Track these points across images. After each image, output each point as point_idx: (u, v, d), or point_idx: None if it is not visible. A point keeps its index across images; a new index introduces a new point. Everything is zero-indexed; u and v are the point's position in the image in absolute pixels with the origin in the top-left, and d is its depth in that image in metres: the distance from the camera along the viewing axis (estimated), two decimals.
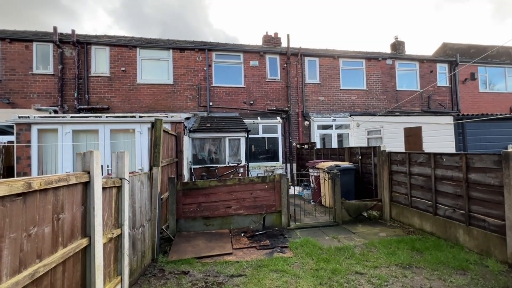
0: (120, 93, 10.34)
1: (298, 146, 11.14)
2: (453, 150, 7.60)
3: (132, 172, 3.65)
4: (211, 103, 10.95)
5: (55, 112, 9.62)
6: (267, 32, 13.64)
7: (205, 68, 10.99)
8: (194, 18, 67.52)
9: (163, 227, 4.89)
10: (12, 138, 7.02)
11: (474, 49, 15.23)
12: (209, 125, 9.23)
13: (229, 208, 5.22)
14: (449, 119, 7.92)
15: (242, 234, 4.87)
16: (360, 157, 7.05)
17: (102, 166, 6.12)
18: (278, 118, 11.24)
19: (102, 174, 2.57)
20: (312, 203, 7.37)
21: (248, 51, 11.48)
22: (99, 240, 2.29)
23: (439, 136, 8.16)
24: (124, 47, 10.44)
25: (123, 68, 10.35)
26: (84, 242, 2.14)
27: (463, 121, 7.69)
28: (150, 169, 4.13)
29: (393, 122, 9.89)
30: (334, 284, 3.09)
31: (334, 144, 11.56)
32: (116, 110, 10.19)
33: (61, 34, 10.23)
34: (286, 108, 11.46)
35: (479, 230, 3.79)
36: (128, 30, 59.27)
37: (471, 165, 3.92)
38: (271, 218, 5.35)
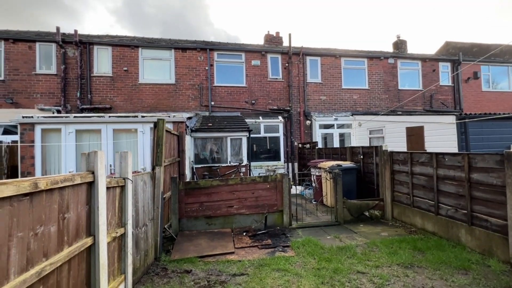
0: (122, 93, 10.39)
1: (300, 145, 11.15)
2: (456, 150, 7.57)
3: (135, 172, 3.68)
4: (212, 103, 10.97)
5: (58, 112, 9.69)
6: (268, 31, 13.63)
7: (206, 68, 11.01)
8: (195, 17, 67.56)
9: (165, 226, 4.92)
10: (16, 137, 7.08)
11: (477, 48, 15.13)
12: (210, 124, 9.26)
13: (231, 207, 5.24)
14: (451, 119, 7.89)
15: (244, 234, 4.89)
16: (362, 156, 7.05)
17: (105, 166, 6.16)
18: (280, 117, 11.24)
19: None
20: (314, 202, 7.38)
21: (249, 51, 11.48)
22: (104, 239, 2.32)
23: (441, 136, 8.13)
24: (126, 47, 10.48)
25: (125, 68, 10.40)
26: (89, 241, 2.17)
27: (466, 120, 7.66)
28: (153, 168, 4.16)
29: (395, 121, 9.87)
30: (335, 284, 3.11)
31: (336, 144, 11.55)
32: (118, 110, 10.24)
33: (64, 34, 10.28)
34: (288, 108, 11.46)
35: (481, 230, 3.79)
36: (129, 29, 59.46)
37: (474, 165, 3.91)
38: (273, 218, 5.37)
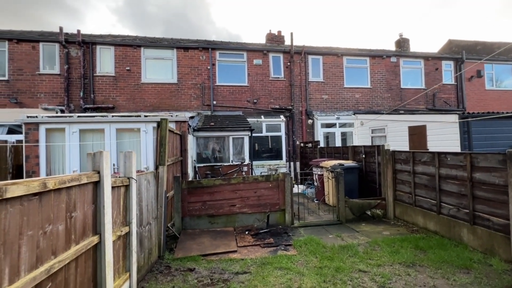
0: (125, 92, 10.45)
1: (302, 144, 11.16)
2: (458, 149, 7.56)
3: (138, 171, 3.72)
4: (214, 102, 11.01)
5: (62, 111, 9.77)
6: (270, 30, 13.62)
7: (208, 67, 11.03)
8: (197, 16, 67.52)
9: (168, 225, 4.97)
10: (21, 137, 7.16)
11: (481, 46, 15.03)
12: (213, 124, 9.30)
13: (234, 206, 5.28)
14: (454, 118, 7.86)
15: (247, 232, 4.93)
16: (364, 155, 7.06)
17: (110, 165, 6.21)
18: (282, 116, 11.25)
19: None
20: (316, 201, 7.41)
21: (251, 50, 11.49)
22: (109, 237, 2.36)
23: (444, 135, 8.11)
24: (128, 47, 10.53)
25: (128, 68, 10.45)
26: (95, 239, 2.21)
27: (468, 119, 7.63)
28: (156, 168, 4.20)
29: (397, 120, 9.85)
30: (337, 282, 3.14)
31: (338, 143, 11.54)
32: (121, 109, 10.30)
33: (67, 34, 10.35)
34: (290, 107, 11.47)
35: (483, 229, 3.80)
36: (131, 28, 59.54)
37: (476, 164, 3.92)
38: (275, 217, 5.41)
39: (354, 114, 11.85)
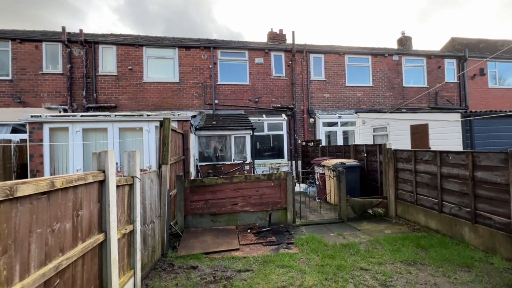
0: (127, 91, 10.50)
1: (303, 143, 11.17)
2: (460, 148, 7.54)
3: (142, 170, 3.76)
4: (216, 101, 11.04)
5: (65, 110, 9.84)
6: (272, 29, 13.59)
7: (210, 66, 11.05)
8: (198, 14, 67.44)
9: (171, 224, 5.02)
10: (24, 136, 7.23)
11: (484, 44, 14.91)
12: (214, 123, 9.33)
13: (236, 205, 5.32)
14: (456, 116, 7.84)
15: (249, 231, 4.97)
16: (365, 154, 7.06)
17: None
18: (283, 115, 11.27)
19: None
20: (318, 200, 7.43)
21: (253, 49, 11.49)
22: (114, 235, 2.40)
23: (446, 133, 8.10)
24: (130, 46, 10.57)
25: (130, 67, 10.49)
26: (100, 237, 2.26)
27: (471, 118, 7.61)
28: (159, 167, 4.24)
29: (399, 119, 9.83)
30: (339, 280, 3.17)
31: (340, 142, 11.54)
32: (123, 109, 10.36)
33: (69, 33, 10.39)
34: (291, 106, 11.47)
35: (485, 228, 3.81)
36: (132, 27, 59.56)
37: (478, 163, 3.92)
38: (277, 215, 5.44)
39: (356, 112, 11.83)
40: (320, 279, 3.20)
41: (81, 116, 6.77)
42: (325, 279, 3.19)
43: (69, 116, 6.88)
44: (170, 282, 3.26)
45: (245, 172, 8.84)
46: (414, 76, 12.88)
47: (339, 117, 11.66)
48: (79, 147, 6.67)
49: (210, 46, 11.09)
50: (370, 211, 5.83)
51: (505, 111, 8.14)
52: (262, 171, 10.02)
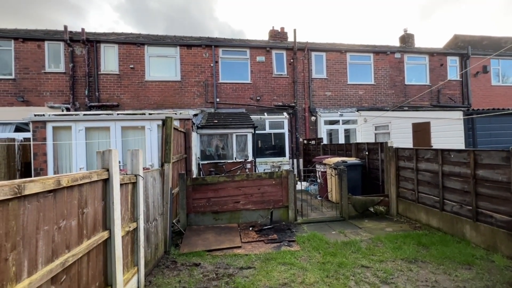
0: (129, 90, 10.54)
1: (305, 141, 11.18)
2: (463, 146, 7.52)
3: (144, 168, 3.79)
4: (218, 99, 11.05)
5: (67, 109, 9.90)
6: (273, 26, 13.57)
7: (212, 65, 11.06)
8: (199, 12, 67.24)
9: (174, 221, 5.07)
10: (28, 135, 7.30)
11: (487, 41, 14.79)
12: (216, 121, 9.36)
13: (238, 203, 5.35)
14: (458, 114, 7.81)
15: (251, 228, 5.01)
16: (367, 153, 7.07)
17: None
18: (285, 113, 11.27)
19: None
20: (319, 198, 7.46)
21: (254, 47, 11.47)
22: (118, 233, 2.44)
23: (448, 132, 8.07)
24: (132, 45, 10.59)
25: (132, 66, 10.52)
26: (105, 234, 2.29)
27: (473, 116, 7.58)
28: (162, 165, 4.28)
29: (401, 117, 9.80)
30: (340, 277, 3.20)
31: (341, 140, 11.54)
32: (125, 107, 10.41)
33: (71, 32, 10.43)
34: (293, 104, 11.47)
35: (486, 226, 3.82)
36: (134, 25, 59.54)
37: (479, 161, 3.92)
38: (279, 213, 5.47)
39: (357, 111, 11.81)
40: (322, 276, 3.23)
41: (84, 115, 6.82)
42: (326, 276, 3.22)
43: (72, 115, 6.93)
44: (173, 279, 3.30)
45: (247, 170, 8.87)
46: (416, 74, 12.81)
47: (341, 115, 11.65)
48: (82, 146, 6.73)
49: (212, 44, 11.09)
50: (372, 209, 5.85)
51: (508, 109, 8.09)
52: (264, 170, 10.05)
